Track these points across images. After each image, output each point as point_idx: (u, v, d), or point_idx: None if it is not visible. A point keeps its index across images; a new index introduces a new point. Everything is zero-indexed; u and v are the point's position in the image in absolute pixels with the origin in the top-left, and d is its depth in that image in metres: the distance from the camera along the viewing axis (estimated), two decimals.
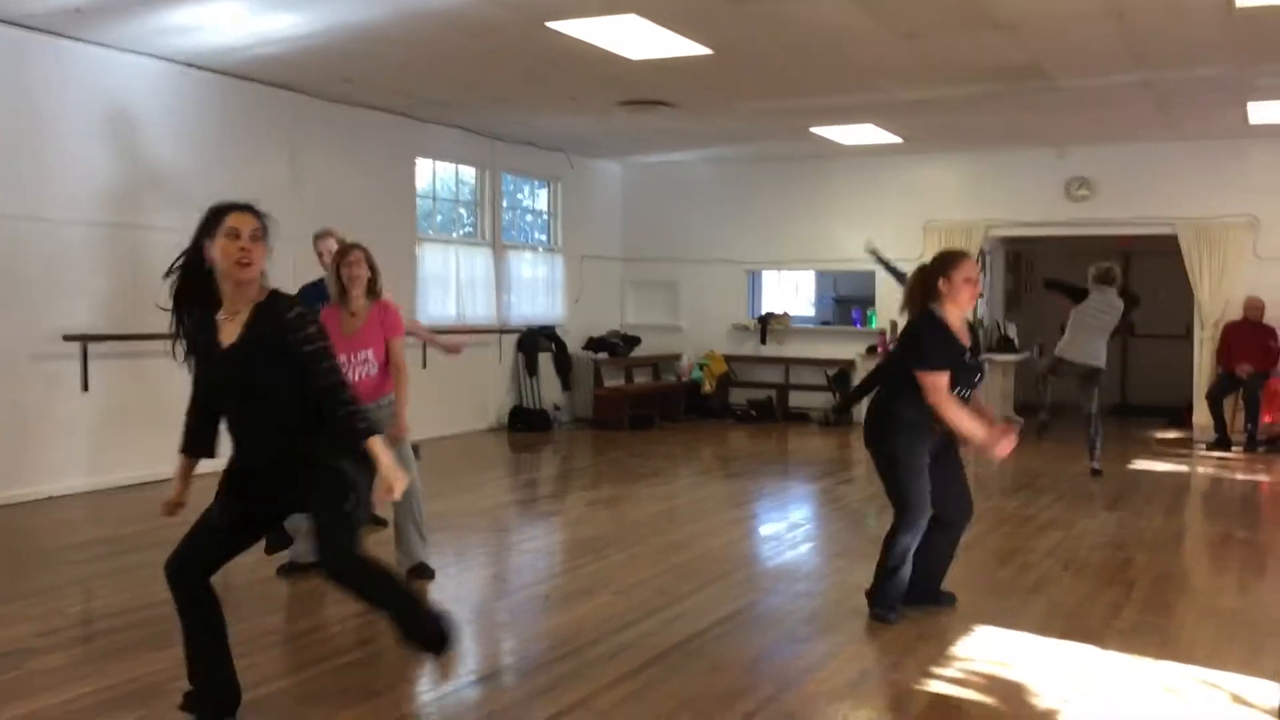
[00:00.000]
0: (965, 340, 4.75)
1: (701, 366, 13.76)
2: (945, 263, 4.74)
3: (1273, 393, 11.09)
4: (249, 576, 5.72)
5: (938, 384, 4.58)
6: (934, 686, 4.07)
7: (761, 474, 9.72)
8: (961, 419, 4.60)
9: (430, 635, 3.55)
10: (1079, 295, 9.22)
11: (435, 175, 11.65)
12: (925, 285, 4.78)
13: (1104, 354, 9.23)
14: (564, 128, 11.51)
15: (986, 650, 4.51)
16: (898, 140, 11.75)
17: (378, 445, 3.43)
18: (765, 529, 7.37)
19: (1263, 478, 9.45)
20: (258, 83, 9.16)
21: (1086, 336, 9.17)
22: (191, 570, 3.58)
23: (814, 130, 11.25)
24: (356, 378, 5.30)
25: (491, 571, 5.99)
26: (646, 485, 8.85)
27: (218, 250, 3.42)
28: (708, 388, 13.64)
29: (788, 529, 7.24)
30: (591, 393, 12.86)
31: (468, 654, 4.37)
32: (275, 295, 3.52)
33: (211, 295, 3.52)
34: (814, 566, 6.17)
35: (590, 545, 6.49)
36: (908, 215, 12.80)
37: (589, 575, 5.72)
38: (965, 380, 4.72)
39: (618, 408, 12.61)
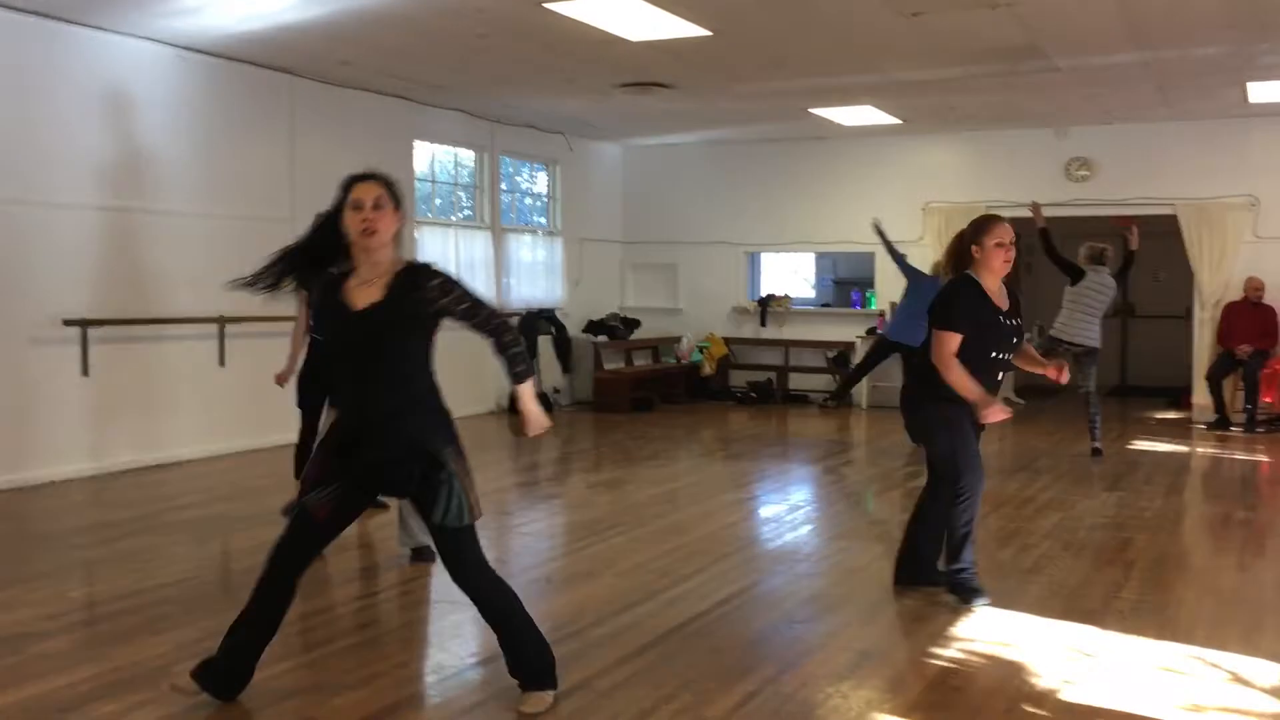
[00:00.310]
0: (1002, 304, 4.75)
1: (701, 349, 13.75)
2: (978, 228, 4.77)
3: (1272, 373, 11.09)
4: (247, 562, 5.74)
5: (944, 343, 4.62)
6: (934, 668, 4.08)
7: (761, 456, 9.73)
8: (961, 381, 4.61)
9: (533, 673, 3.68)
10: (1076, 275, 9.21)
11: (434, 158, 11.61)
12: (960, 251, 4.83)
13: (1099, 334, 9.24)
14: (563, 110, 11.48)
15: (986, 631, 4.52)
16: (897, 121, 11.72)
17: (527, 391, 3.67)
18: (765, 511, 7.38)
19: (1262, 458, 9.46)
20: (254, 65, 9.13)
21: (1082, 316, 9.17)
22: (298, 560, 3.69)
23: (813, 111, 11.22)
24: None
25: (493, 554, 5.92)
26: (647, 467, 8.86)
27: (346, 221, 3.53)
28: (708, 370, 13.64)
29: (788, 511, 7.26)
30: (592, 375, 12.86)
31: (469, 637, 4.38)
32: (415, 265, 3.61)
33: (334, 261, 3.62)
34: (814, 548, 6.18)
35: (591, 527, 6.50)
36: (907, 197, 12.78)
37: (590, 557, 5.73)
38: (1003, 344, 4.74)
39: (618, 390, 12.61)
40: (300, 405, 6.36)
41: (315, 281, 3.67)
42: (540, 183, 13.48)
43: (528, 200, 13.49)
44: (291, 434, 6.47)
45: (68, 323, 7.80)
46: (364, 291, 3.53)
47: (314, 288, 3.70)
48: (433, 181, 11.68)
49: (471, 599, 3.70)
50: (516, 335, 3.65)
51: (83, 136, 7.98)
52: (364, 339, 3.52)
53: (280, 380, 6.44)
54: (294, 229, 10.03)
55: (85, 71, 7.97)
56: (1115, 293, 9.32)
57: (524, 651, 3.70)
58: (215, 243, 8.84)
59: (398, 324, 3.52)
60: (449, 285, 3.57)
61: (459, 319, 3.60)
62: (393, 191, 3.58)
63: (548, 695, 3.66)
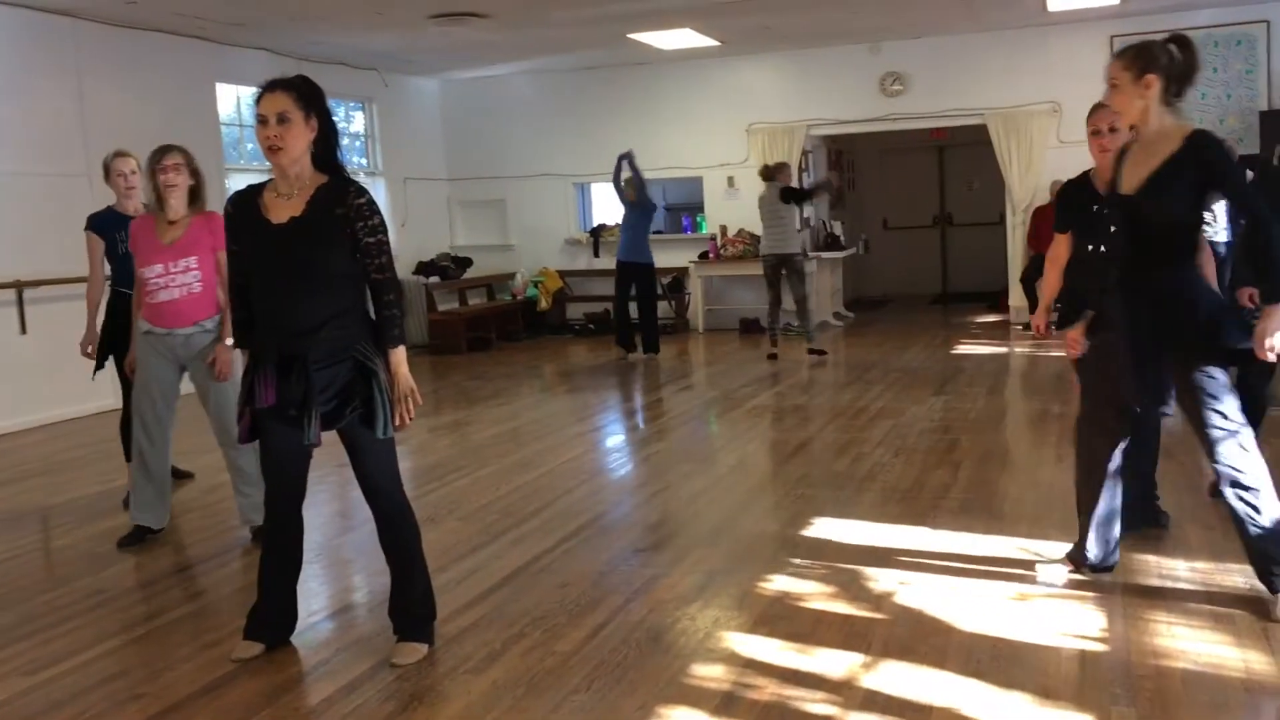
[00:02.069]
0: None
1: (536, 283, 13.64)
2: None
3: None
4: (63, 539, 5.44)
5: (1052, 248, 4.79)
6: (777, 583, 4.16)
7: (603, 387, 9.74)
8: (1043, 286, 4.80)
9: (413, 620, 3.63)
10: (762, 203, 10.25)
11: (240, 101, 11.06)
12: None
13: (786, 240, 10.07)
14: (374, 45, 11.07)
15: (825, 542, 4.64)
16: (716, 43, 11.72)
17: (401, 357, 3.46)
18: (609, 441, 7.40)
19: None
20: (32, 9, 8.47)
21: (767, 229, 10.18)
22: (286, 485, 3.61)
23: (632, 36, 11.11)
24: (176, 294, 4.86)
25: (334, 508, 5.83)
26: (488, 407, 8.75)
27: (257, 136, 3.40)
28: (544, 304, 13.55)
29: (630, 440, 7.28)
30: (425, 318, 12.61)
31: (312, 594, 4.25)
32: (342, 179, 3.44)
33: None
34: (657, 475, 6.21)
35: (433, 472, 6.39)
36: (731, 119, 12.86)
37: (432, 503, 5.63)
38: (1098, 236, 4.38)
39: (454, 331, 12.41)
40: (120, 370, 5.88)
41: (233, 198, 3.55)
42: (357, 122, 13.01)
43: (345, 140, 13.01)
44: (104, 400, 6.06)
45: None
46: (282, 205, 3.41)
47: (228, 202, 3.54)
48: (240, 126, 11.13)
49: (378, 519, 3.63)
50: (401, 297, 3.51)
51: None
52: (285, 254, 3.37)
53: (88, 348, 5.86)
54: (91, 184, 9.43)
55: None
56: (778, 201, 10.07)
57: (412, 591, 3.64)
58: (6, 202, 8.24)
59: (322, 233, 3.37)
60: (371, 211, 3.43)
61: (361, 252, 3.41)
62: (303, 99, 3.37)
63: (422, 648, 3.60)
